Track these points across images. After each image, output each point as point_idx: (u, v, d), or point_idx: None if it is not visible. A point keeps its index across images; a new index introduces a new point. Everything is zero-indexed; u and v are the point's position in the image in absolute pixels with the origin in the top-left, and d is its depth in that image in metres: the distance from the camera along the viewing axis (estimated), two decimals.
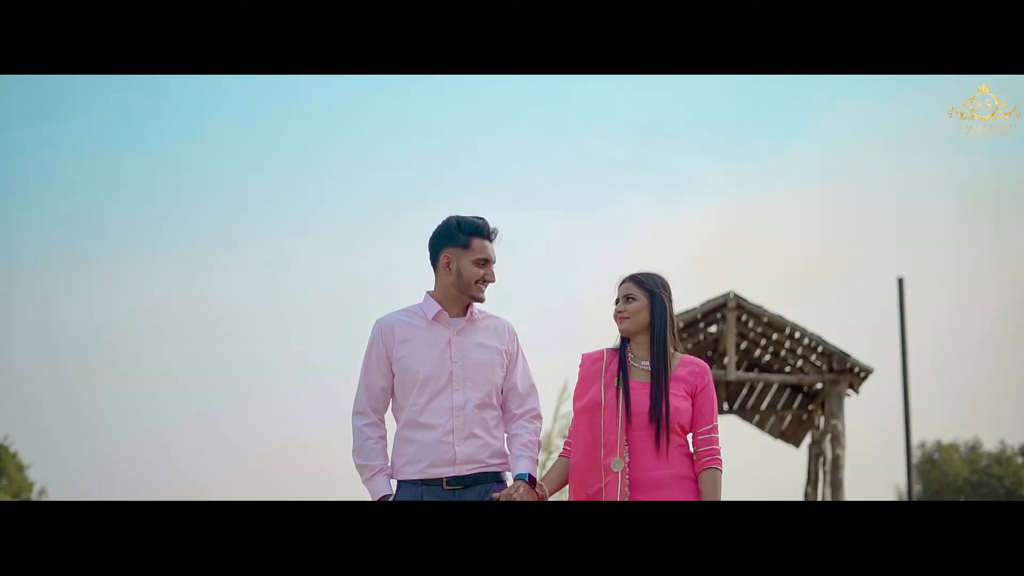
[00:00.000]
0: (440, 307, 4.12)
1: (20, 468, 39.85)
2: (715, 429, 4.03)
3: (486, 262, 4.12)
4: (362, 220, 44.36)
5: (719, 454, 4.00)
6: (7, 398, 45.05)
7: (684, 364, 4.08)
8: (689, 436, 4.05)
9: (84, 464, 47.78)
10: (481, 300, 4.15)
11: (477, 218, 4.14)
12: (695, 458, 4.00)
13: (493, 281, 4.14)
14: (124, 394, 46.21)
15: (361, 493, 4.12)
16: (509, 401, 4.20)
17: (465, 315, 4.15)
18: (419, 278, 4.22)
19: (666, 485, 3.93)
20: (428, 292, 4.18)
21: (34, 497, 38.71)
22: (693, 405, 4.02)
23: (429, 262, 4.19)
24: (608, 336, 4.16)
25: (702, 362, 4.12)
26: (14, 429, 43.33)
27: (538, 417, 4.22)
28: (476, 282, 4.10)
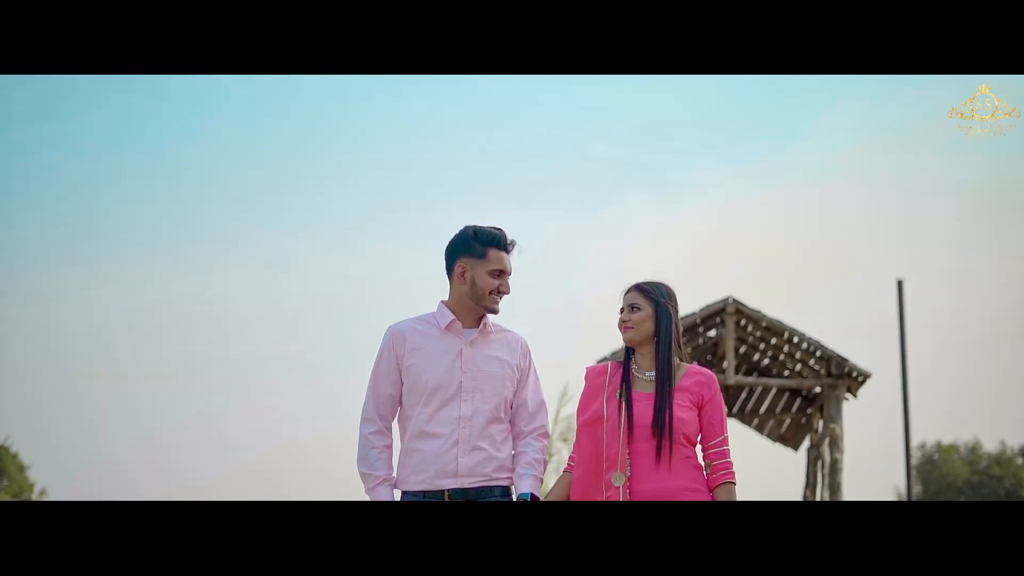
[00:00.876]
0: (453, 316, 4.08)
1: (21, 468, 39.84)
2: (726, 441, 3.96)
3: (501, 273, 4.07)
4: (362, 220, 44.40)
5: (732, 467, 3.94)
6: (7, 398, 45.09)
7: (690, 374, 4.02)
8: (698, 448, 3.98)
9: (84, 464, 47.80)
10: (495, 312, 4.10)
11: (494, 228, 4.10)
12: (709, 472, 3.94)
13: (508, 293, 4.09)
14: (124, 394, 46.23)
15: (361, 493, 4.11)
16: (518, 417, 4.16)
17: (478, 326, 4.11)
18: (419, 278, 4.23)
19: (669, 497, 3.83)
20: (442, 301, 4.15)
21: (35, 498, 38.67)
22: (701, 416, 3.96)
23: (445, 271, 4.15)
24: (607, 337, 4.16)
25: (709, 372, 4.05)
26: (14, 429, 43.36)
27: (546, 435, 4.19)
28: (490, 293, 4.06)
